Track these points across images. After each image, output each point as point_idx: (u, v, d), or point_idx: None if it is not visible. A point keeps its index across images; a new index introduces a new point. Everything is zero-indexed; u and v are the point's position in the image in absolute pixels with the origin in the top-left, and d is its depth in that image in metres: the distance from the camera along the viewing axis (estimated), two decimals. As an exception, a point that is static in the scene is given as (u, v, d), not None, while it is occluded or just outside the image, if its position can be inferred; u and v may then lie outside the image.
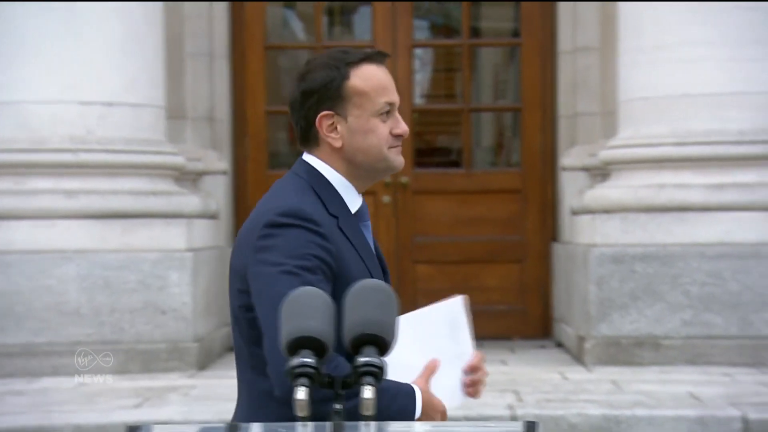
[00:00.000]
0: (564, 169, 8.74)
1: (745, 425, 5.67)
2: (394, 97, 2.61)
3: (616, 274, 7.21)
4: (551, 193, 8.89)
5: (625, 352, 7.21)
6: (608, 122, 8.29)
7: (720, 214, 7.18)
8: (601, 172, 8.14)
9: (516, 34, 9.17)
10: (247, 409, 2.56)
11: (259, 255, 2.44)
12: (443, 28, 10.16)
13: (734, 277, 7.08)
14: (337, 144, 2.56)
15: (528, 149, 8.96)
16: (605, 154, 7.76)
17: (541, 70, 8.85)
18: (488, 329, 8.65)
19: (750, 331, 7.06)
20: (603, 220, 7.42)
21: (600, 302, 7.23)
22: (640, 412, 5.82)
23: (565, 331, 8.22)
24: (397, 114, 2.62)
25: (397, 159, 2.63)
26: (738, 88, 7.16)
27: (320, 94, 2.52)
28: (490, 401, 6.11)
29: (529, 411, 5.84)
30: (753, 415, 5.70)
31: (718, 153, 7.23)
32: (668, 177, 7.33)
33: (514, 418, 5.77)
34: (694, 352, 7.12)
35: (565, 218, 8.61)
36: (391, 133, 2.59)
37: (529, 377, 6.87)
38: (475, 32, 9.82)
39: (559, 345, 8.43)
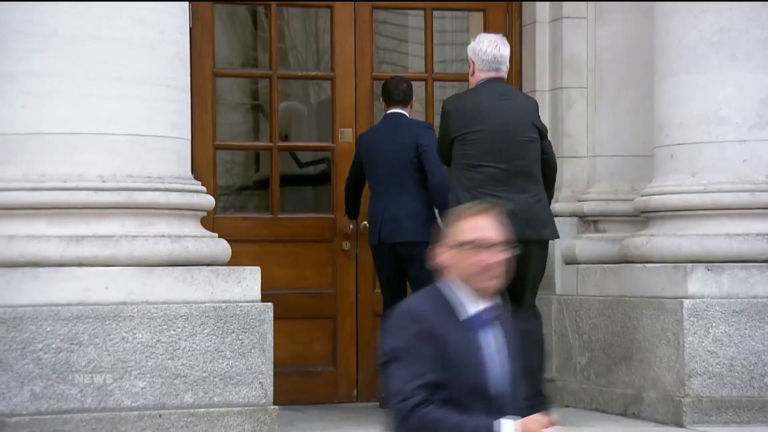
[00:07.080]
0: None
1: None
2: None
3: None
4: None
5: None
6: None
7: (78, 269, 6.32)
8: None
9: None
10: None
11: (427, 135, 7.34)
12: None
13: (92, 341, 6.24)
14: None
15: None
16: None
17: None
18: None
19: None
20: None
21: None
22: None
23: None
24: None
25: None
26: (97, 129, 6.38)
27: None
28: None
29: None
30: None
31: (76, 200, 6.38)
32: (20, 227, 6.37)
33: None
34: (42, 429, 6.15)
35: None
36: None
37: None
38: None
39: None
